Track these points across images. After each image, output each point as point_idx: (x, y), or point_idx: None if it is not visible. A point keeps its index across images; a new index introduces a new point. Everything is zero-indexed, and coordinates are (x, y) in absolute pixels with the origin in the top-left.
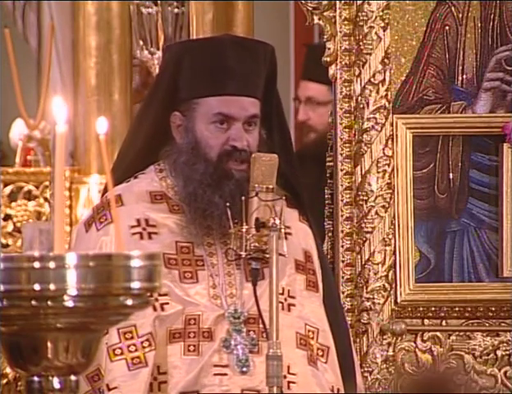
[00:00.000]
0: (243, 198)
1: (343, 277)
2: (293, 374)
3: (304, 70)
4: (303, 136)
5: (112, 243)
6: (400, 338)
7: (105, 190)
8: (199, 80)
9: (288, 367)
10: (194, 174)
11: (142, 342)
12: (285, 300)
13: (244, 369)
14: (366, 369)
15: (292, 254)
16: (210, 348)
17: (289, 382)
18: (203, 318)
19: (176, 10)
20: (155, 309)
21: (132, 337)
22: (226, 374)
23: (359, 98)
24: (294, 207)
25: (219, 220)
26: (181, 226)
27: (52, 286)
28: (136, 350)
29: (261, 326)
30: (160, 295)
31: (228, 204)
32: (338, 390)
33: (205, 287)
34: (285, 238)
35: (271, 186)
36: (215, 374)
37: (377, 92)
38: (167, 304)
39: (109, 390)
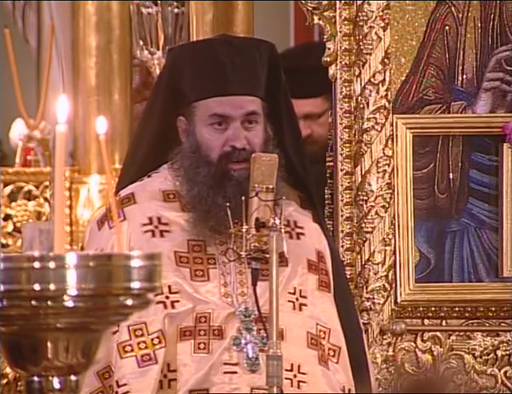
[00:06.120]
0: (243, 198)
1: None
2: (303, 374)
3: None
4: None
5: (125, 240)
6: (399, 338)
7: (117, 189)
8: (195, 83)
9: (299, 366)
10: (197, 177)
11: (152, 339)
12: (297, 299)
13: (254, 368)
14: None
15: (305, 253)
16: (220, 346)
17: (299, 382)
18: (214, 316)
19: (176, 10)
20: (165, 307)
21: (142, 334)
22: (235, 372)
23: (359, 98)
24: (308, 207)
25: (223, 221)
26: (193, 225)
27: (52, 286)
28: (146, 348)
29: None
30: (171, 292)
31: (228, 204)
32: (349, 390)
33: (216, 285)
34: (298, 238)
35: (271, 186)
36: (225, 372)
37: (377, 92)
38: (178, 301)
39: (119, 386)
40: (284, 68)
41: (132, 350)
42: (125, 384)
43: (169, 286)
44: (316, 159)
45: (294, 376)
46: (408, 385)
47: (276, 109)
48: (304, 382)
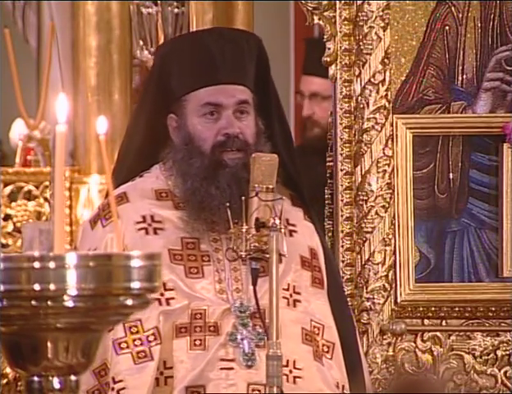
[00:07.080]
0: (243, 198)
1: (343, 277)
2: (299, 369)
3: (305, 64)
4: (306, 131)
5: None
6: (399, 338)
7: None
8: (185, 76)
9: (294, 362)
10: (190, 169)
11: (147, 336)
12: (291, 295)
13: (250, 363)
14: None
15: (297, 250)
16: (216, 342)
17: (295, 377)
18: (209, 312)
19: (176, 10)
20: (161, 304)
21: (138, 332)
22: (232, 368)
23: (359, 98)
24: (300, 205)
25: (217, 211)
26: (186, 222)
27: (52, 286)
28: (142, 345)
29: (267, 321)
30: (166, 289)
31: (228, 204)
32: (343, 387)
33: (211, 282)
34: (291, 236)
35: (271, 186)
36: (221, 368)
37: (377, 92)
38: (173, 298)
39: (115, 383)
40: (306, 39)
41: (128, 347)
42: (121, 380)
43: (164, 283)
44: (311, 145)
45: (290, 371)
46: (402, 384)
47: (265, 105)
48: (299, 377)
